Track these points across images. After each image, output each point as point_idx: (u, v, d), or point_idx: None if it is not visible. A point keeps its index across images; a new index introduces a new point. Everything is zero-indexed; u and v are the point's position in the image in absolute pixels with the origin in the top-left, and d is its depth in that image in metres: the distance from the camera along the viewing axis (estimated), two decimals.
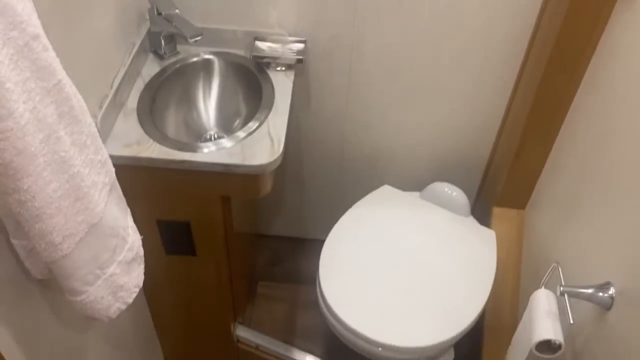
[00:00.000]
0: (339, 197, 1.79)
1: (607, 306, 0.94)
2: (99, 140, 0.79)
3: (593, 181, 1.14)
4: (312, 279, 1.38)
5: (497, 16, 1.33)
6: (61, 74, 0.68)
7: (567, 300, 0.97)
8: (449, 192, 1.54)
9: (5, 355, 0.80)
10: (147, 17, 1.30)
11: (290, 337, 1.70)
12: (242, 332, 1.58)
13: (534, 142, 1.40)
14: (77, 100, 0.72)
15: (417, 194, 1.60)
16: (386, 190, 1.57)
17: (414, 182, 1.68)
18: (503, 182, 1.52)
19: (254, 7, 1.34)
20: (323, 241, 1.41)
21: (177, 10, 1.23)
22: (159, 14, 1.24)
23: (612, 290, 0.94)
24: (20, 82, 0.61)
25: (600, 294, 0.95)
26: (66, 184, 0.71)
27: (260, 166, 1.10)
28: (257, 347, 1.58)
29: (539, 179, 1.47)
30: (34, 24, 0.62)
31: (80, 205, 0.74)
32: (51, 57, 0.65)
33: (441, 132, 1.60)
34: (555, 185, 1.35)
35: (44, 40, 0.64)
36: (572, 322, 0.94)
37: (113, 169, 0.83)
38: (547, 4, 1.28)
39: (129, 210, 0.90)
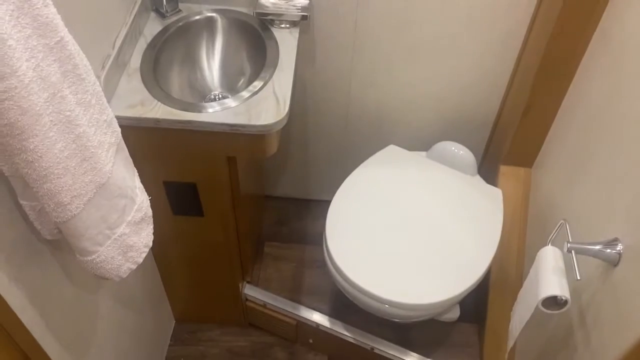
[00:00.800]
0: (345, 157, 1.79)
1: (614, 262, 0.95)
2: (104, 100, 0.78)
3: (601, 138, 1.13)
4: (318, 239, 1.39)
5: None
6: (63, 31, 0.66)
7: (574, 257, 0.97)
8: (456, 151, 1.53)
9: (19, 315, 0.81)
10: None
11: (298, 295, 1.73)
12: (251, 291, 1.61)
13: (543, 99, 1.38)
14: (81, 58, 0.70)
15: (423, 153, 1.59)
16: (392, 149, 1.56)
17: (420, 141, 1.67)
18: (510, 140, 1.50)
19: None
20: (329, 202, 1.41)
21: None
22: None
23: (619, 247, 0.94)
24: (22, 39, 0.60)
25: (608, 250, 0.95)
26: (72, 143, 0.71)
27: (266, 126, 1.09)
28: (265, 305, 1.61)
29: (546, 137, 1.45)
30: None
31: (88, 165, 0.74)
32: (52, 13, 0.64)
33: (448, 90, 1.57)
34: (563, 142, 1.34)
35: None
36: (578, 278, 0.95)
37: (119, 129, 0.83)
38: None
39: (136, 170, 0.90)
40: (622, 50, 1.09)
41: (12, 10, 0.58)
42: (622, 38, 1.10)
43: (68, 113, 0.69)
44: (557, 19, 1.22)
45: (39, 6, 0.61)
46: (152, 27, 1.27)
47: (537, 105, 1.40)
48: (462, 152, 1.53)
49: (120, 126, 0.84)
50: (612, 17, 1.15)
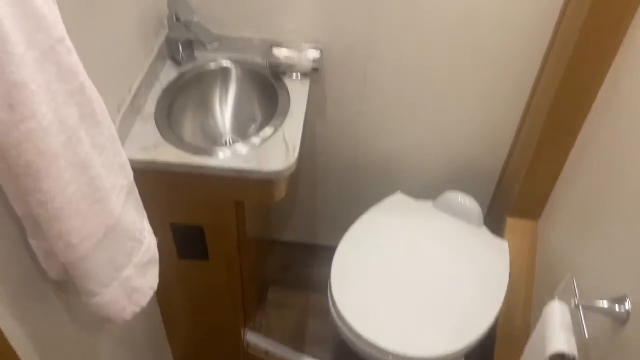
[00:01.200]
0: (352, 203, 1.79)
1: (623, 320, 0.93)
2: (119, 143, 0.80)
3: (609, 192, 1.13)
4: (323, 286, 1.38)
5: (513, 28, 1.32)
6: (84, 76, 0.69)
7: (581, 313, 0.96)
8: (462, 201, 1.54)
9: (20, 355, 0.81)
10: (166, 24, 1.31)
11: (300, 344, 1.70)
12: (252, 338, 1.58)
13: (550, 151, 1.39)
14: (99, 103, 0.73)
15: (430, 202, 1.59)
16: (399, 198, 1.57)
17: (427, 189, 1.68)
18: (517, 192, 1.51)
19: (271, 15, 1.35)
20: (335, 248, 1.40)
21: (195, 18, 1.25)
22: (178, 20, 1.26)
23: (628, 304, 0.92)
24: (44, 84, 0.62)
25: (616, 307, 0.93)
26: (86, 185, 0.72)
27: (275, 172, 1.10)
28: (266, 353, 1.58)
29: (553, 190, 1.46)
30: (60, 28, 0.64)
31: (99, 207, 0.75)
32: (75, 61, 0.66)
33: (455, 140, 1.59)
34: (570, 195, 1.34)
35: (69, 43, 0.65)
36: (587, 336, 0.93)
37: (131, 172, 0.84)
38: (566, 10, 1.27)
39: (145, 213, 0.91)
40: (628, 104, 1.11)
41: (37, 57, 0.61)
42: (628, 92, 1.11)
43: (83, 156, 0.71)
44: (565, 71, 1.23)
45: (63, 53, 0.64)
46: (169, 73, 1.31)
47: (544, 157, 1.41)
48: (468, 203, 1.53)
49: (133, 169, 0.86)
50: (619, 72, 1.17)
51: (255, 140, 1.16)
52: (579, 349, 0.98)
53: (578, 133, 1.33)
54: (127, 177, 0.83)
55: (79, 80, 0.67)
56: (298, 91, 1.31)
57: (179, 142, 1.13)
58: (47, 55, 0.62)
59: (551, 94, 1.31)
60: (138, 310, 0.90)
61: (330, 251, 1.42)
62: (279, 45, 1.37)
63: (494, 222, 1.66)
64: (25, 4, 0.58)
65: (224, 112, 1.37)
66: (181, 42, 1.32)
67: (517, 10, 1.29)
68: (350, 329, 1.25)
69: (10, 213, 0.74)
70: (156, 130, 1.15)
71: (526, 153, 1.46)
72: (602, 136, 1.21)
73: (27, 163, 0.63)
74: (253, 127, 1.35)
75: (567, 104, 1.30)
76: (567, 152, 1.38)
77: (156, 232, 0.95)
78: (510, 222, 1.56)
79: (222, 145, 1.34)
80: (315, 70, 1.36)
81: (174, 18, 1.27)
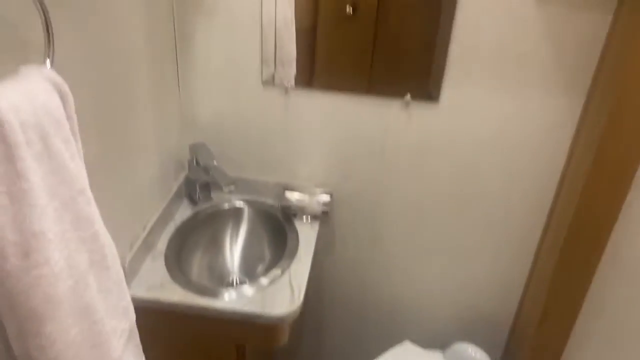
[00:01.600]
0: (358, 349, 1.74)
1: None
2: (124, 286, 0.81)
3: (624, 353, 1.09)
4: None
5: (519, 178, 1.37)
6: (98, 224, 0.72)
7: None
8: (473, 354, 1.48)
9: None
10: (186, 166, 1.39)
11: None
12: None
13: (558, 309, 1.36)
14: (110, 249, 0.75)
15: (439, 352, 1.54)
16: (407, 347, 1.52)
17: (436, 337, 1.63)
18: (527, 347, 1.45)
19: (286, 161, 1.43)
20: None
21: (215, 162, 1.32)
22: (198, 164, 1.33)
23: None
24: (59, 232, 0.66)
25: None
26: (87, 330, 0.72)
27: (279, 317, 1.09)
28: None
29: (565, 349, 1.40)
30: (82, 180, 0.68)
31: (97, 352, 0.75)
32: (92, 210, 0.70)
33: (463, 288, 1.58)
34: (584, 355, 1.29)
35: (88, 194, 0.70)
36: None
37: (134, 316, 0.85)
38: (571, 160, 1.31)
39: (143, 356, 0.90)
40: (636, 262, 1.10)
41: (57, 207, 0.65)
42: (634, 250, 1.12)
43: (88, 299, 0.72)
44: (572, 220, 1.24)
45: (82, 204, 0.68)
46: (183, 212, 1.36)
47: (554, 312, 1.37)
48: (479, 356, 1.47)
49: (136, 307, 0.86)
50: (623, 229, 1.18)
51: (262, 280, 1.16)
52: None
53: (588, 286, 1.31)
54: (129, 320, 0.83)
55: (94, 228, 0.71)
56: (307, 234, 1.34)
57: (185, 281, 1.14)
58: (67, 205, 0.66)
59: (556, 252, 1.31)
60: None
61: None
62: (291, 188, 1.43)
63: None
64: (54, 161, 0.63)
65: (234, 251, 1.39)
66: (199, 183, 1.38)
67: (522, 163, 1.35)
68: None
69: (8, 353, 0.73)
70: (165, 269, 1.17)
71: (536, 307, 1.43)
72: (611, 295, 1.20)
73: (32, 307, 0.64)
74: (260, 267, 1.36)
75: (573, 262, 1.29)
76: (578, 307, 1.35)
77: None
78: None
79: (228, 284, 1.34)
80: (324, 213, 1.40)
81: (194, 161, 1.34)
